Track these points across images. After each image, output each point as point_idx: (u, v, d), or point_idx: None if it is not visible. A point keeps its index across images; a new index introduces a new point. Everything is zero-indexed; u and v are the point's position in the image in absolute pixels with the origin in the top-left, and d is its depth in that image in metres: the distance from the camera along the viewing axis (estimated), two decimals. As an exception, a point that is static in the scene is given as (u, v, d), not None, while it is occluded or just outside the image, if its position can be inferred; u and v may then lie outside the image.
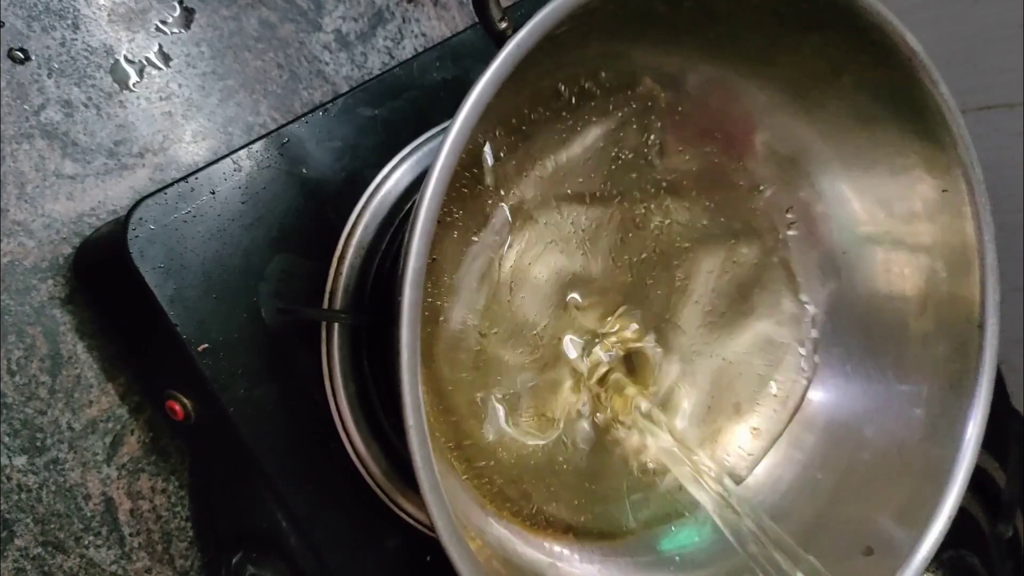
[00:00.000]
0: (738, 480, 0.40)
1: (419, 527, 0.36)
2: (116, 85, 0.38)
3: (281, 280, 0.34)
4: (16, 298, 0.35)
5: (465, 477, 0.34)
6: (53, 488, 0.35)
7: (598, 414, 0.37)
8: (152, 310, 0.31)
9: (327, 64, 0.45)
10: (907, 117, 0.35)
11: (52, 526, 0.35)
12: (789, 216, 0.41)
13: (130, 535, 0.38)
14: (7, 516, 0.34)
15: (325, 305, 0.35)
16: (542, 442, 0.35)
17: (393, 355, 0.24)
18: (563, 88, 0.34)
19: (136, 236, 0.30)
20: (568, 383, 0.36)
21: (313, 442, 0.34)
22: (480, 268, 0.33)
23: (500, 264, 0.34)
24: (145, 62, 0.39)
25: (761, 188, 0.40)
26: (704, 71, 0.37)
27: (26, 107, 0.35)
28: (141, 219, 0.31)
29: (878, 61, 0.34)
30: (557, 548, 0.36)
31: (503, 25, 0.28)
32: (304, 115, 0.36)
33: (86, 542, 0.36)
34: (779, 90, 0.37)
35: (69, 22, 0.36)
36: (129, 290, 0.31)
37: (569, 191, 0.36)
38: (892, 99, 0.35)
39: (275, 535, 0.35)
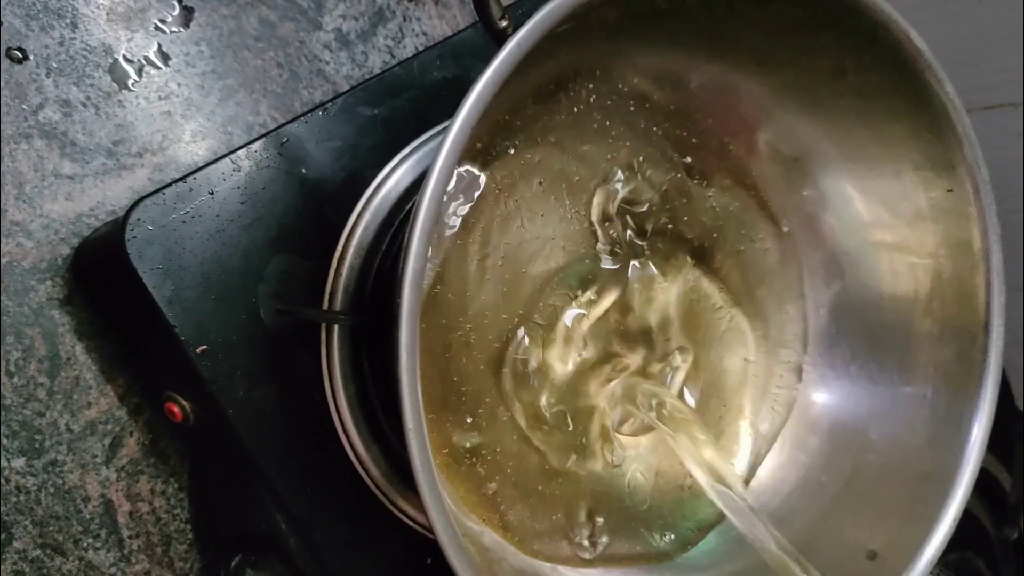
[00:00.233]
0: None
1: (420, 529, 0.36)
2: (115, 84, 0.37)
3: (280, 281, 0.34)
4: (14, 299, 0.34)
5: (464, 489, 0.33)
6: (52, 490, 0.35)
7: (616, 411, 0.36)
8: (150, 311, 0.31)
9: (327, 63, 0.45)
10: (912, 116, 0.35)
11: (51, 528, 0.35)
12: (792, 215, 0.41)
13: (129, 537, 0.37)
14: (5, 518, 0.34)
15: (325, 306, 0.34)
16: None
17: (392, 357, 0.24)
18: (564, 86, 0.34)
19: (134, 237, 0.30)
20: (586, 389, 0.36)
21: (313, 444, 0.34)
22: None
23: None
24: (144, 61, 0.38)
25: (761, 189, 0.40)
26: (706, 70, 0.37)
27: (24, 107, 0.35)
28: (139, 220, 0.30)
29: (882, 60, 0.33)
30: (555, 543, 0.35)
31: (503, 23, 0.28)
32: (303, 114, 0.36)
33: (85, 544, 0.36)
34: (782, 89, 0.37)
35: (68, 21, 0.36)
36: (127, 291, 0.31)
37: (570, 190, 0.35)
38: (896, 98, 0.35)
39: (275, 537, 0.34)
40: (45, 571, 0.35)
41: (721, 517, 0.37)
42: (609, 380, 0.36)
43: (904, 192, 0.37)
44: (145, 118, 0.38)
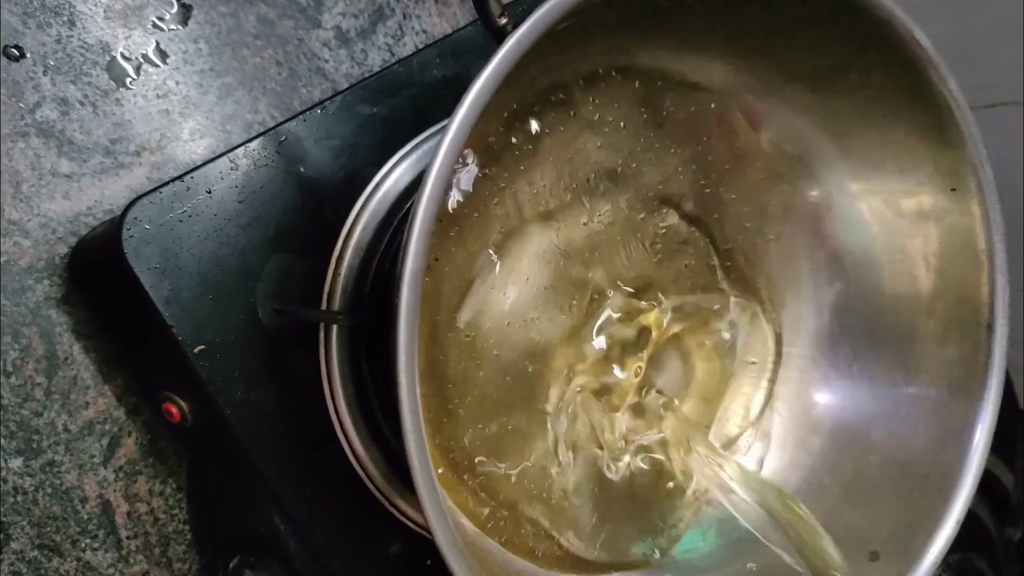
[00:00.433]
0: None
1: (419, 530, 0.36)
2: (112, 83, 0.37)
3: (278, 281, 0.33)
4: (12, 298, 0.34)
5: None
6: (49, 490, 0.35)
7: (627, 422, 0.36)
8: (147, 311, 0.31)
9: (327, 61, 0.45)
10: (915, 115, 0.35)
11: (48, 529, 0.35)
12: (794, 214, 0.41)
13: (127, 538, 0.37)
14: (3, 519, 0.34)
15: (323, 306, 0.34)
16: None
17: (391, 358, 0.24)
18: (564, 85, 0.33)
19: (131, 236, 0.30)
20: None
21: (311, 444, 0.34)
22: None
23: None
24: (142, 59, 0.38)
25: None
26: (709, 68, 0.36)
27: (21, 105, 0.35)
28: (136, 219, 0.30)
29: (885, 57, 0.33)
30: (553, 549, 0.35)
31: (503, 21, 0.28)
32: (302, 113, 0.35)
33: (83, 545, 0.36)
34: (784, 87, 0.37)
35: (65, 19, 0.36)
36: (124, 291, 0.31)
37: (571, 191, 0.35)
38: (899, 96, 0.34)
39: (273, 538, 0.34)
40: (43, 572, 0.35)
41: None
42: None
43: (907, 191, 0.37)
44: (143, 116, 0.38)
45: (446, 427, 0.32)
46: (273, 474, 0.33)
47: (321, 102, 0.36)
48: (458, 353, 0.32)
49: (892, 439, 0.38)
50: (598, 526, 0.36)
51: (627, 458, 0.36)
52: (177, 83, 0.39)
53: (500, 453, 0.34)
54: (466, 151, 0.31)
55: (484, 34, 0.29)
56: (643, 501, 0.37)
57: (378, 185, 0.36)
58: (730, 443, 0.40)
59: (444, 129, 0.24)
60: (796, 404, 0.41)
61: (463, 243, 0.32)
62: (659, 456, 0.37)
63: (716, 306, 0.40)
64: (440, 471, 0.32)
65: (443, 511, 0.25)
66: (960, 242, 0.36)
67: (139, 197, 0.31)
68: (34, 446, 0.35)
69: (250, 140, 0.34)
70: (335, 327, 0.34)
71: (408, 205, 0.36)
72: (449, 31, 0.49)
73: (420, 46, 0.48)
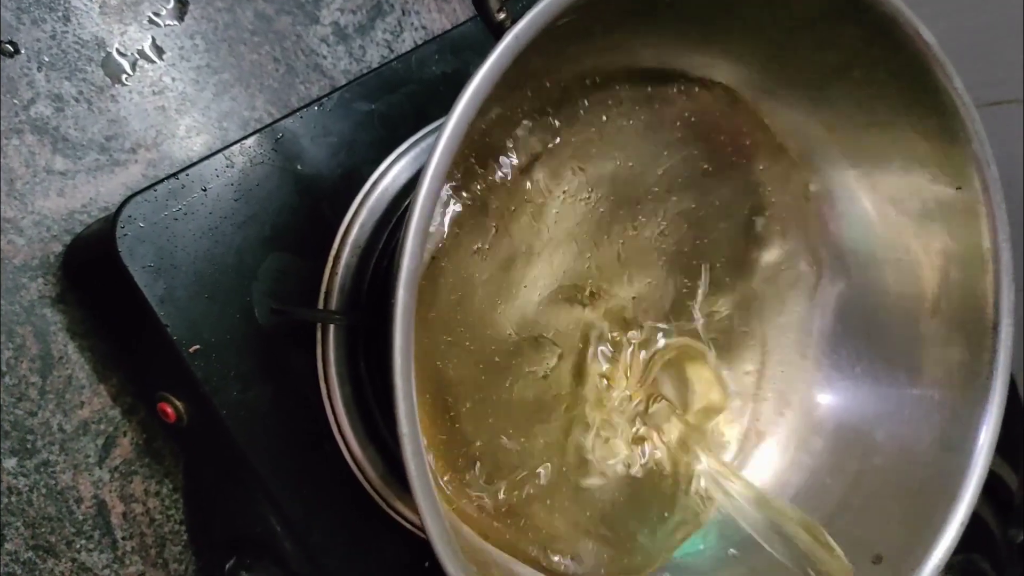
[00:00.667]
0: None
1: (417, 532, 0.36)
2: (108, 79, 0.37)
3: (275, 279, 0.33)
4: (6, 297, 0.34)
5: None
6: (44, 491, 0.35)
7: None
8: (142, 310, 0.30)
9: (325, 58, 0.44)
10: (920, 113, 0.34)
11: (43, 530, 0.35)
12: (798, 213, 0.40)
13: (123, 539, 0.37)
14: (-3, 519, 0.34)
15: (320, 305, 0.34)
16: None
17: (387, 359, 0.23)
18: (564, 83, 0.33)
19: (125, 234, 0.30)
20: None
21: (308, 445, 0.34)
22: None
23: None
24: (138, 55, 0.38)
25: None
26: (710, 64, 0.36)
27: (15, 101, 0.34)
28: (130, 217, 0.30)
29: (890, 54, 0.33)
30: (556, 558, 0.35)
31: (501, 16, 0.28)
32: (299, 109, 0.35)
33: (78, 546, 0.36)
34: (788, 84, 0.36)
35: (60, 14, 0.36)
36: (119, 289, 0.31)
37: (571, 191, 0.35)
38: (904, 94, 0.34)
39: (270, 539, 0.34)
40: (37, 573, 0.35)
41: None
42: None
43: (911, 189, 0.37)
44: (139, 113, 0.38)
45: (445, 431, 0.32)
46: (269, 474, 0.32)
47: (319, 99, 0.36)
48: (458, 356, 0.32)
49: (895, 440, 0.37)
50: (600, 531, 0.35)
51: (631, 464, 0.36)
52: (173, 79, 0.39)
53: (501, 459, 0.33)
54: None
55: (483, 30, 0.29)
56: (646, 507, 0.37)
57: (376, 183, 0.36)
58: (732, 448, 0.40)
59: (441, 126, 0.23)
60: (798, 405, 0.41)
61: (463, 243, 0.32)
62: (663, 463, 0.36)
63: (716, 318, 0.39)
64: (439, 472, 0.32)
65: (439, 512, 0.24)
66: (965, 241, 0.36)
67: (134, 195, 0.30)
68: (28, 446, 0.34)
69: (246, 137, 0.33)
70: (332, 327, 0.33)
71: (406, 203, 0.35)
72: (448, 27, 0.49)
73: (419, 42, 0.48)
